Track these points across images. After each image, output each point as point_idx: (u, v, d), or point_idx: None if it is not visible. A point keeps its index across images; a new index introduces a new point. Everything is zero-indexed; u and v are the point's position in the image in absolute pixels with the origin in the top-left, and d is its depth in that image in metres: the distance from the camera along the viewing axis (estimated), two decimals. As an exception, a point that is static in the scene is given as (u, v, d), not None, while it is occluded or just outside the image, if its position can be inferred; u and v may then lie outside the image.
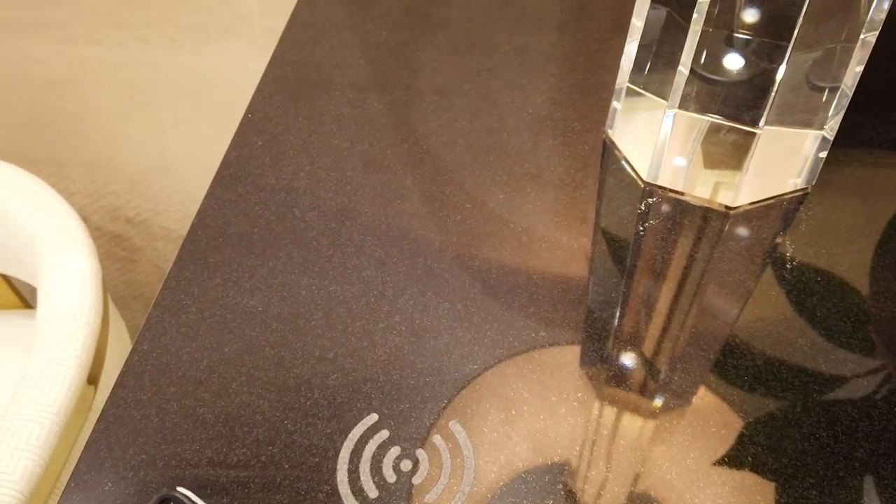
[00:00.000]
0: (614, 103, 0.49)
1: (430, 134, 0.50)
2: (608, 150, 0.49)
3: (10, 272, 0.83)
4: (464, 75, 0.53)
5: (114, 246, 1.07)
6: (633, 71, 0.47)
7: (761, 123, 0.43)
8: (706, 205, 0.45)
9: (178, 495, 0.31)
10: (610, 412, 0.36)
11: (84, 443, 0.34)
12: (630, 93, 0.48)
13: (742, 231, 0.44)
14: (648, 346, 0.39)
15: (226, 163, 0.48)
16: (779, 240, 0.44)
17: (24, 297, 0.92)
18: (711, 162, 0.46)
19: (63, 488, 0.33)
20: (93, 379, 0.63)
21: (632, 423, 0.36)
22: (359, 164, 0.48)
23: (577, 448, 0.35)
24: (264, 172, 0.47)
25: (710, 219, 0.44)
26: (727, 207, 0.45)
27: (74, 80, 0.90)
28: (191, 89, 0.89)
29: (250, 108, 0.51)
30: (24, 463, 0.55)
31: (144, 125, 0.94)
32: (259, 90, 0.52)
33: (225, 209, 0.45)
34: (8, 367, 0.77)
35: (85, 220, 0.74)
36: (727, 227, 0.44)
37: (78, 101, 0.92)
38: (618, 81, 0.48)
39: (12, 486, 0.54)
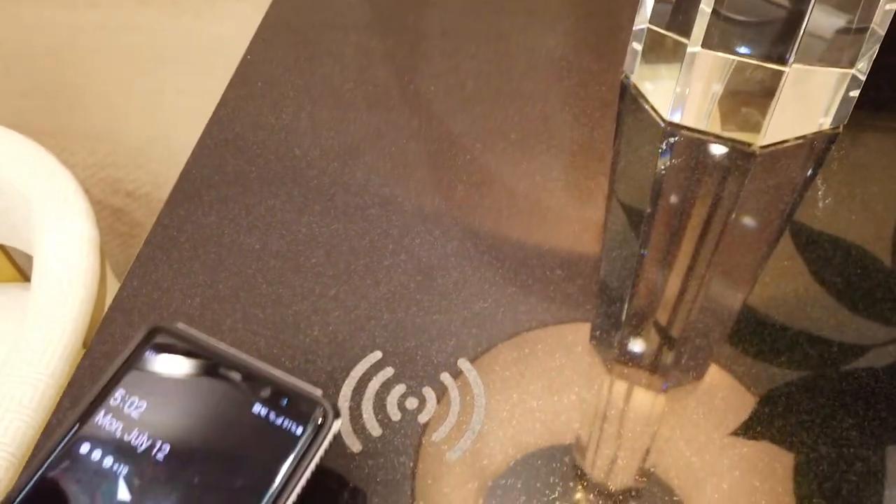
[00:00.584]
0: (634, 44, 0.46)
1: (438, 75, 0.47)
2: (627, 92, 0.46)
3: (8, 242, 0.81)
4: (472, 14, 0.51)
5: (115, 221, 1.05)
6: (654, 11, 0.45)
7: (789, 61, 0.41)
8: (731, 145, 0.42)
9: (169, 328, 0.28)
10: (628, 353, 0.33)
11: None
12: (651, 33, 0.45)
13: (770, 170, 0.41)
14: (670, 290, 0.36)
15: (222, 103, 0.45)
16: (809, 179, 0.41)
17: (23, 270, 0.90)
18: (737, 101, 0.43)
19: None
20: (88, 344, 0.61)
21: (649, 365, 0.33)
22: (363, 105, 0.45)
23: (594, 387, 0.32)
24: (263, 112, 0.45)
25: (735, 158, 0.42)
26: (754, 147, 0.42)
27: (72, 47, 0.88)
28: (193, 56, 0.87)
29: (249, 51, 0.49)
30: (17, 425, 0.53)
31: (145, 94, 0.92)
32: (259, 33, 0.50)
33: (221, 148, 0.43)
34: (5, 340, 0.75)
35: (85, 193, 0.72)
36: (754, 166, 0.41)
37: (76, 68, 0.90)
38: (637, 22, 0.45)
39: (3, 448, 0.52)
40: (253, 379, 0.27)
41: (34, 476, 0.25)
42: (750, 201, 0.40)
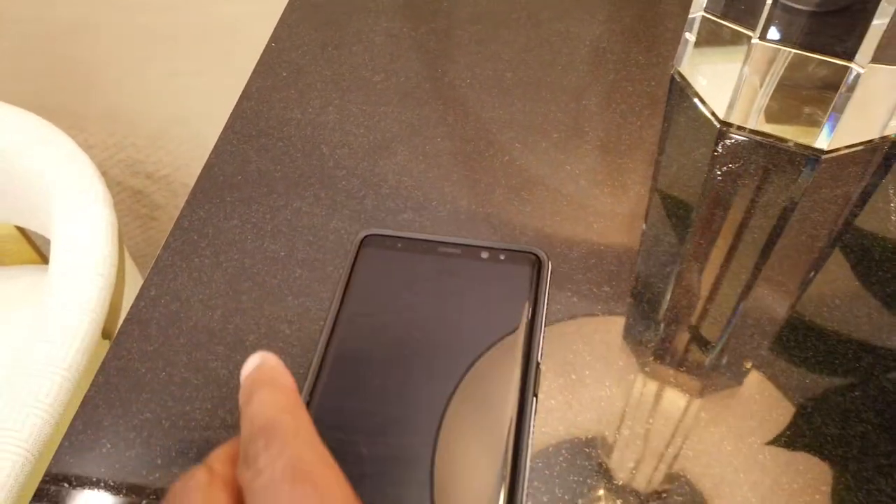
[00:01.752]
0: (686, 34, 0.43)
1: (474, 66, 0.44)
2: (677, 87, 0.43)
3: (26, 224, 0.79)
4: (510, 5, 0.47)
5: (134, 202, 1.04)
6: (709, -3, 0.41)
7: (857, 57, 0.37)
8: (792, 148, 0.39)
9: (378, 232, 0.32)
10: (687, 362, 0.31)
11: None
12: (705, 23, 0.42)
13: (834, 176, 0.38)
14: (726, 306, 0.33)
15: (246, 95, 0.43)
16: (876, 187, 0.38)
17: (41, 251, 0.89)
18: (799, 99, 0.40)
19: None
20: (107, 333, 0.60)
21: (704, 373, 0.30)
22: (394, 98, 0.42)
23: (635, 393, 0.29)
24: (289, 106, 0.42)
25: (798, 163, 0.38)
26: (818, 151, 0.39)
27: (90, 26, 0.86)
28: (211, 37, 0.84)
29: (274, 37, 0.46)
30: (33, 420, 0.52)
31: (163, 75, 0.90)
32: (284, 17, 0.47)
33: (244, 144, 0.40)
34: (22, 323, 0.74)
35: (104, 174, 0.70)
36: (818, 172, 0.38)
37: (94, 47, 0.88)
38: (692, 10, 0.42)
39: (20, 443, 0.50)
40: (468, 249, 0.30)
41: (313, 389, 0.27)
42: (813, 210, 0.36)
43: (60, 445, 0.29)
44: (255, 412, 0.21)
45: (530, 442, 0.25)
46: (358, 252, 0.31)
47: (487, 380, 0.27)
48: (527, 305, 0.29)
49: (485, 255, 0.30)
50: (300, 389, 0.24)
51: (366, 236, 0.31)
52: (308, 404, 0.26)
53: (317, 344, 0.28)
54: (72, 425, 0.29)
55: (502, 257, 0.30)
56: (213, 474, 0.20)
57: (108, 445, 0.29)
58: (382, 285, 0.30)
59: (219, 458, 0.21)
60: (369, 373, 0.27)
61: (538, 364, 0.27)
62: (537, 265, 0.30)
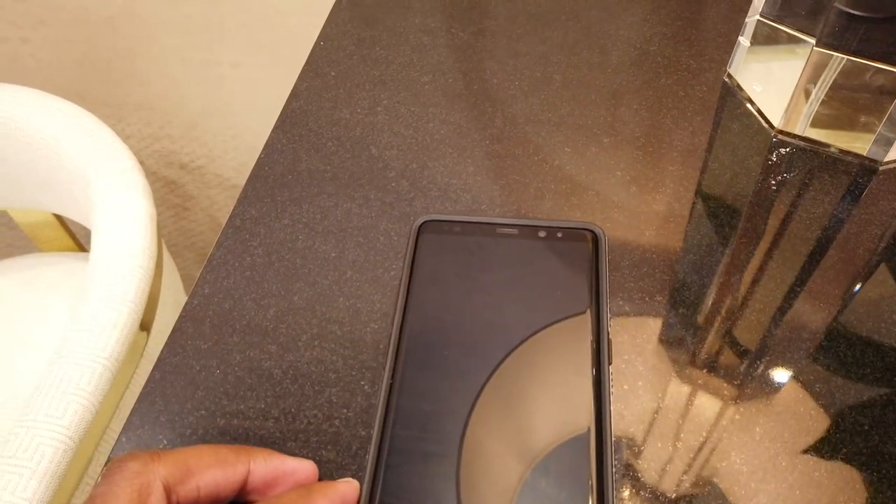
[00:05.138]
0: (741, 39, 0.42)
1: (522, 69, 0.44)
2: (730, 93, 0.42)
3: (64, 212, 0.80)
4: (558, 5, 0.47)
5: (168, 192, 1.05)
6: (766, 2, 0.41)
7: (918, 65, 0.37)
8: (851, 158, 0.38)
9: (435, 217, 0.33)
10: (731, 383, 0.30)
11: (134, 391, 0.30)
12: (761, 27, 0.41)
13: (893, 190, 0.37)
14: (780, 319, 0.33)
15: (295, 94, 0.43)
16: (937, 202, 0.37)
17: (78, 239, 0.90)
18: (855, 108, 0.39)
19: (113, 438, 0.29)
20: (145, 325, 0.60)
21: (759, 402, 0.30)
22: (442, 100, 0.42)
23: (675, 415, 0.29)
24: (338, 105, 0.42)
25: (855, 174, 0.38)
26: (874, 162, 0.38)
27: (130, 17, 0.86)
28: (249, 29, 0.85)
29: (322, 36, 0.46)
30: (75, 408, 0.53)
31: (200, 66, 0.90)
32: (332, 16, 0.47)
33: (294, 144, 0.40)
34: (60, 306, 0.76)
35: (140, 163, 0.71)
36: (875, 184, 0.37)
37: (133, 38, 0.89)
38: (749, 14, 0.41)
39: (62, 430, 0.51)
40: (525, 228, 0.31)
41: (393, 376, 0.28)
42: (870, 222, 0.36)
43: (118, 441, 0.29)
44: None
45: (611, 410, 0.26)
46: (418, 239, 0.31)
47: (561, 354, 0.27)
48: (589, 280, 0.29)
49: (542, 233, 0.31)
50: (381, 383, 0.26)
51: (424, 222, 0.32)
52: (391, 390, 0.28)
53: (390, 334, 0.29)
54: (129, 420, 0.30)
55: (559, 235, 0.31)
56: (142, 470, 0.21)
57: (165, 441, 0.29)
58: (445, 270, 0.30)
59: (169, 459, 0.22)
60: (446, 359, 0.28)
61: (608, 335, 0.28)
62: (594, 241, 0.31)
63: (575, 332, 0.28)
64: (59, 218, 0.88)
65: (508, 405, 0.26)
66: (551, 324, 0.28)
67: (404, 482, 0.25)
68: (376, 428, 0.27)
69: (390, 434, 0.26)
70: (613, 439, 0.26)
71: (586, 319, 0.28)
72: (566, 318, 0.28)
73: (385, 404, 0.27)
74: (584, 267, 0.30)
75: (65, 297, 0.76)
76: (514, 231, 0.31)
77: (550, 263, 0.30)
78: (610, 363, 0.27)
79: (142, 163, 1.01)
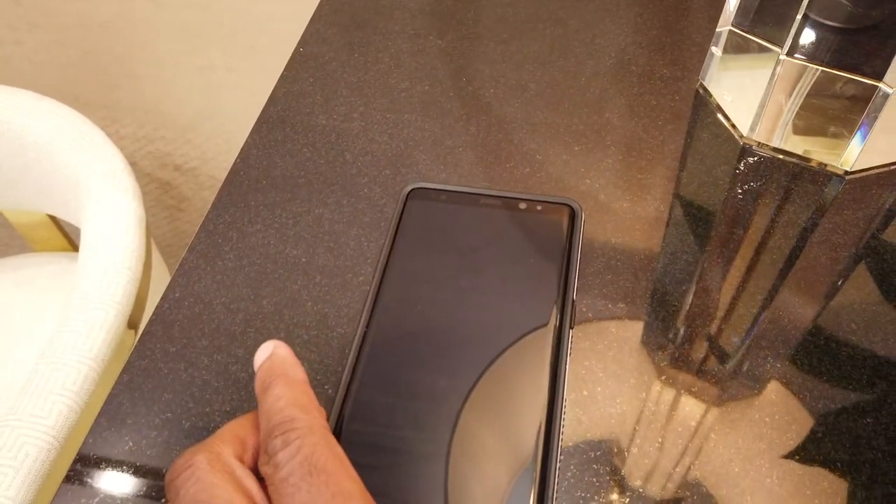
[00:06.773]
0: (713, 49, 0.43)
1: (498, 77, 0.44)
2: (701, 102, 0.43)
3: (57, 213, 0.81)
4: (536, 13, 0.47)
5: (162, 193, 1.06)
6: (737, 12, 0.41)
7: (886, 77, 0.37)
8: (817, 167, 0.39)
9: (423, 185, 0.34)
10: (690, 389, 0.31)
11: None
12: (733, 37, 0.42)
13: (859, 199, 0.38)
14: (742, 326, 0.33)
15: (273, 100, 0.44)
16: (902, 212, 0.37)
17: (72, 239, 0.91)
18: (825, 118, 0.39)
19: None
20: (133, 324, 0.61)
21: (716, 408, 0.30)
22: (418, 107, 0.43)
23: (651, 404, 0.30)
24: (314, 111, 0.43)
25: (821, 183, 0.38)
26: (841, 171, 0.39)
27: (126, 20, 0.87)
28: (245, 34, 0.86)
29: (302, 42, 0.47)
30: (60, 408, 0.53)
31: (195, 70, 0.91)
32: (312, 23, 0.48)
33: (270, 149, 0.41)
34: (51, 307, 0.76)
35: (134, 165, 0.72)
36: (842, 193, 0.38)
37: (128, 42, 0.90)
38: (719, 24, 0.42)
39: (47, 430, 0.52)
40: (507, 200, 0.33)
41: (363, 332, 0.29)
42: (835, 231, 0.36)
43: (85, 442, 0.30)
44: (271, 408, 0.23)
45: (567, 369, 0.28)
46: (405, 204, 0.33)
47: (526, 313, 0.29)
48: (562, 250, 0.31)
49: (523, 205, 0.33)
50: (350, 346, 0.28)
51: (413, 189, 0.34)
52: (360, 351, 0.29)
53: (368, 290, 0.31)
54: (96, 422, 0.30)
55: (539, 208, 0.33)
56: (213, 456, 0.22)
57: (131, 443, 0.30)
58: (428, 235, 0.32)
59: (222, 438, 0.23)
60: (418, 317, 0.29)
61: (573, 300, 0.30)
62: (571, 215, 0.32)
63: (542, 298, 0.30)
64: (53, 218, 0.88)
65: (469, 375, 0.27)
66: (521, 289, 0.30)
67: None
68: (344, 377, 0.28)
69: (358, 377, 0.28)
70: (565, 412, 0.27)
71: (554, 284, 0.30)
72: (537, 283, 0.30)
73: (351, 369, 0.29)
74: (559, 238, 0.32)
75: (58, 297, 0.77)
76: (498, 202, 0.33)
77: (527, 234, 0.32)
78: (572, 327, 0.29)
79: (136, 164, 1.02)
